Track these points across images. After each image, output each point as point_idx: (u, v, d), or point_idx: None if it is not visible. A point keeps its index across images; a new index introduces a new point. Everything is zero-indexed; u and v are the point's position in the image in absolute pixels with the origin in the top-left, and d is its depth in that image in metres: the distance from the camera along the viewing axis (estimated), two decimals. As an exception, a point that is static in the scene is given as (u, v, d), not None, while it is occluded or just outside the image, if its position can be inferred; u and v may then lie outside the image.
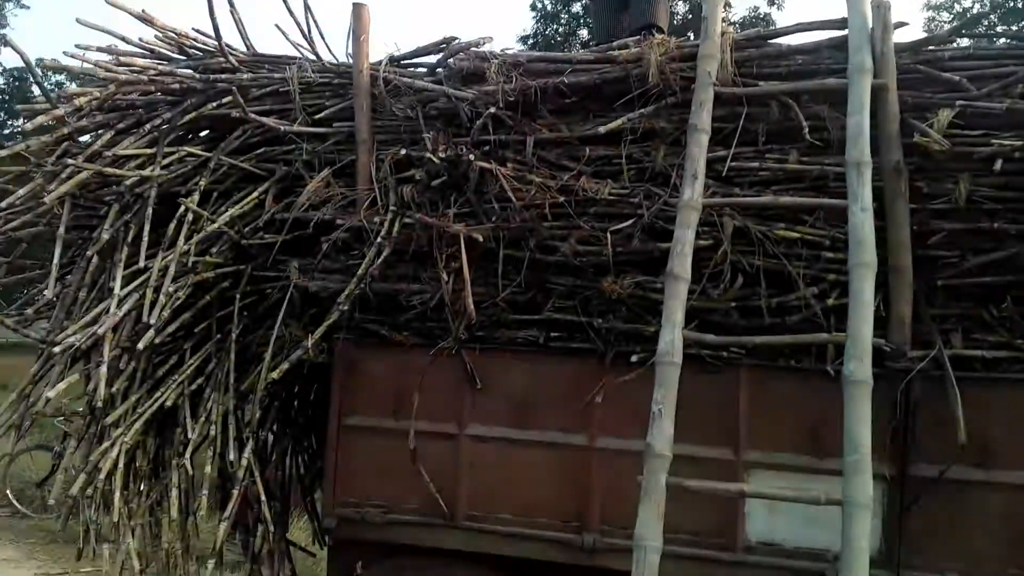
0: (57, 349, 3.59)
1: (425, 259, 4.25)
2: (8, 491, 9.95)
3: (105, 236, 4.11)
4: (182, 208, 4.21)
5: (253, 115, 4.24)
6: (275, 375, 3.80)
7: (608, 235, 3.78)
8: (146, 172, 4.05)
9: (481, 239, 3.88)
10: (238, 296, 4.41)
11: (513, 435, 4.13)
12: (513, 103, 4.11)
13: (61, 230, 4.15)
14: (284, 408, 4.95)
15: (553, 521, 4.04)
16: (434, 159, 3.90)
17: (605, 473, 3.99)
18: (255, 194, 4.47)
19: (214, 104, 4.40)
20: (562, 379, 4.08)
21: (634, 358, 3.91)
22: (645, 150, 4.02)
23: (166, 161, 4.24)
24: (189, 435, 4.02)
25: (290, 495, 5.32)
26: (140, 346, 3.69)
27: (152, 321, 3.72)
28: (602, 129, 3.91)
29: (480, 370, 4.15)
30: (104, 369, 3.64)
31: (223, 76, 4.50)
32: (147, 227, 4.01)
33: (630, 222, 3.83)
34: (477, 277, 4.16)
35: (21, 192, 3.93)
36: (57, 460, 10.23)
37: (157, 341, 3.85)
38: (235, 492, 4.12)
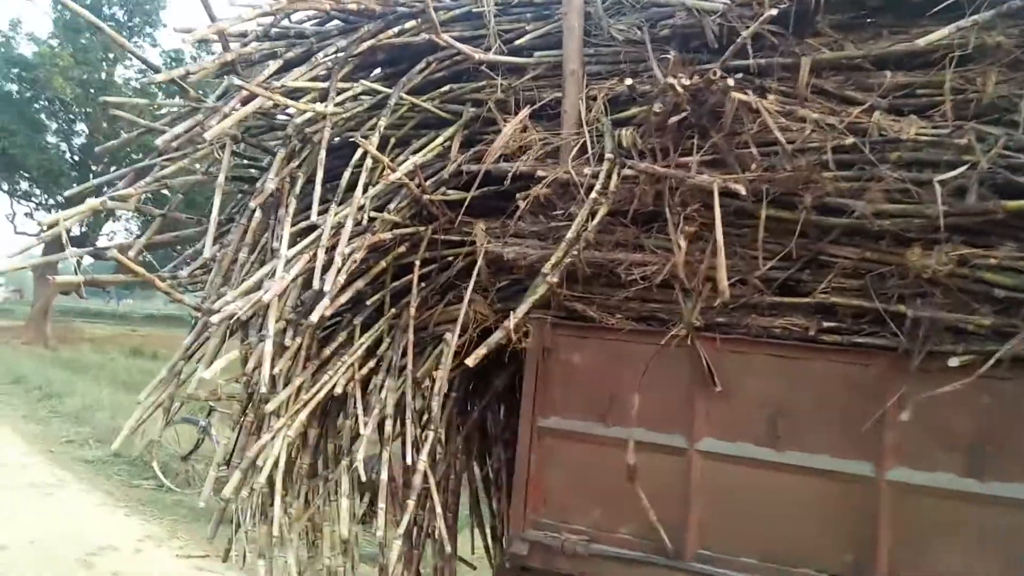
0: (215, 319, 2.94)
1: (651, 221, 3.33)
2: (154, 463, 9.93)
3: (270, 186, 3.43)
4: (358, 153, 3.48)
5: (448, 39, 3.43)
6: (470, 362, 2.99)
7: (936, 186, 2.68)
8: (319, 107, 3.32)
9: (744, 192, 2.88)
10: (417, 263, 3.64)
11: (763, 455, 3.13)
12: (782, 15, 3.08)
13: (221, 178, 3.52)
14: (460, 401, 4.16)
15: (818, 573, 3.02)
16: (676, 87, 2.94)
17: (900, 515, 2.92)
18: (439, 140, 3.68)
19: (395, 30, 3.63)
20: (839, 385, 3.04)
21: (954, 361, 2.81)
22: (965, 76, 2.90)
23: (339, 98, 3.52)
24: (362, 430, 3.29)
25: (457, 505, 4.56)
26: (313, 318, 2.97)
27: (326, 288, 3.00)
28: (921, 42, 2.81)
29: (720, 367, 3.18)
30: (269, 346, 2.95)
31: (404, -4, 3.73)
32: (320, 174, 3.29)
33: (960, 170, 2.72)
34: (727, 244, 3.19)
35: (177, 129, 3.31)
36: (203, 435, 10.31)
37: (328, 313, 3.12)
38: (410, 503, 3.35)
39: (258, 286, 3.19)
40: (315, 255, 3.19)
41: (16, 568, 6.58)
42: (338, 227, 3.31)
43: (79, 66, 26.07)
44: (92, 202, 3.30)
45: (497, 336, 3.06)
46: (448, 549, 3.80)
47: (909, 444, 2.89)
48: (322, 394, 3.30)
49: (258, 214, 3.55)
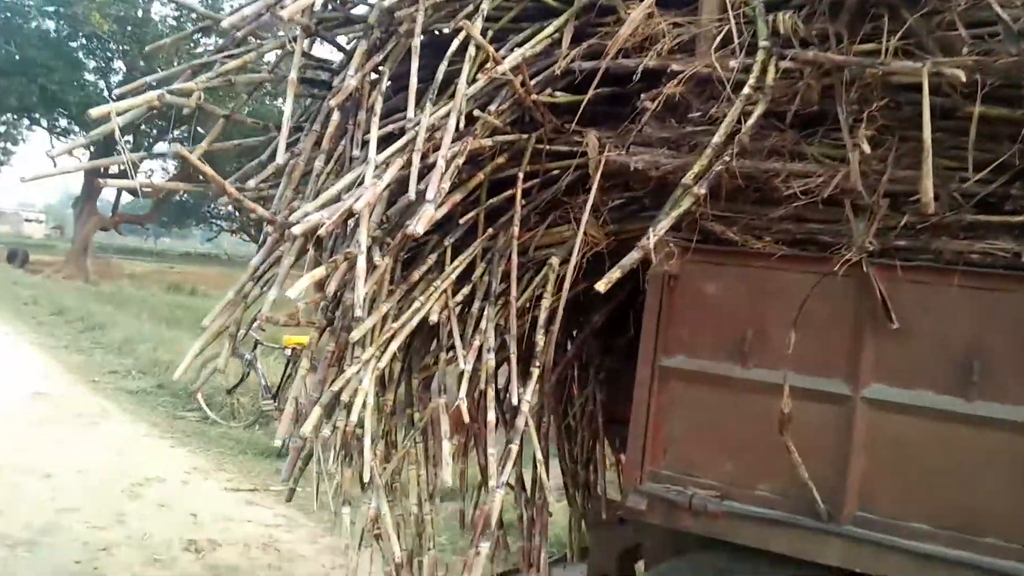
0: (297, 230, 2.45)
1: (813, 125, 2.76)
2: (200, 395, 9.70)
3: (351, 83, 2.91)
4: (454, 44, 2.93)
5: None
6: (600, 287, 2.47)
7: None
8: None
9: (964, 79, 2.28)
10: (521, 176, 3.11)
11: (949, 406, 2.60)
12: None
13: (293, 74, 3.00)
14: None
15: (1011, 544, 2.52)
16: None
17: None
18: (548, 31, 3.11)
19: None
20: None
21: None
22: None
23: (432, -23, 2.95)
24: (461, 363, 2.82)
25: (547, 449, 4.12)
26: (419, 228, 2.46)
27: (430, 196, 2.49)
28: None
29: (897, 301, 2.63)
30: (362, 261, 2.46)
31: None
32: (415, 63, 2.75)
33: None
34: (904, 153, 2.63)
35: (247, 10, 2.79)
36: (248, 369, 10.00)
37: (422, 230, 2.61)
38: (513, 447, 2.89)
39: (338, 197, 2.69)
40: (409, 160, 2.68)
41: (63, 496, 6.37)
42: (433, 129, 2.79)
43: (116, 2, 25.61)
44: (148, 95, 2.80)
45: (633, 257, 2.53)
46: (546, 497, 3.36)
47: None
48: (414, 322, 2.83)
49: (335, 117, 3.03)
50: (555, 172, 3.22)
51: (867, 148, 2.52)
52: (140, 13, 27.50)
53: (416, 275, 3.02)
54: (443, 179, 2.57)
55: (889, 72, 2.45)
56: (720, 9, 2.90)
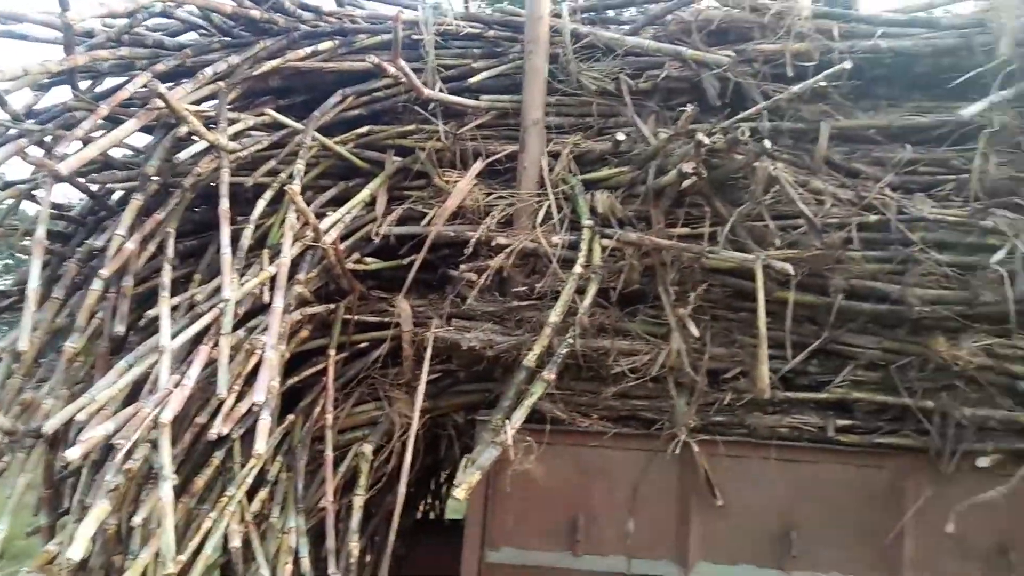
0: (73, 453, 1.84)
1: (634, 303, 2.81)
2: None
3: (129, 247, 2.42)
4: (260, 205, 2.58)
5: (402, 64, 2.66)
6: (460, 494, 2.15)
7: (1001, 270, 2.45)
8: (222, 139, 2.40)
9: (792, 272, 2.44)
10: (333, 352, 2.77)
11: (773, 580, 2.68)
12: (782, 75, 2.77)
13: (40, 232, 2.40)
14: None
15: None
16: (700, 144, 2.46)
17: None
18: (363, 194, 2.89)
19: (307, 50, 2.81)
20: (858, 493, 2.68)
21: (983, 461, 2.58)
22: (965, 155, 2.77)
23: (233, 129, 2.60)
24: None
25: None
26: (260, 447, 1.99)
27: (260, 399, 2.05)
28: (965, 113, 2.61)
29: (718, 477, 2.70)
30: (168, 490, 1.92)
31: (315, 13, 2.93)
32: (227, 231, 2.35)
33: (1000, 255, 2.52)
34: (717, 333, 2.76)
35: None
36: None
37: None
38: None
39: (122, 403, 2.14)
40: (215, 345, 2.23)
41: None
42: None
43: None
44: None
45: (492, 454, 2.30)
46: None
47: (928, 555, 2.59)
48: (209, 550, 2.27)
49: (96, 286, 2.47)
50: (363, 345, 2.92)
51: (694, 329, 2.60)
52: None
53: (200, 482, 2.45)
54: (274, 374, 2.15)
55: (717, 259, 2.57)
56: (538, 184, 2.90)
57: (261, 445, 2.00)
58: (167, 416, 1.91)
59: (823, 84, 2.66)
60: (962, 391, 2.59)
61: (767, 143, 2.44)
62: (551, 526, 2.75)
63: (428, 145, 2.95)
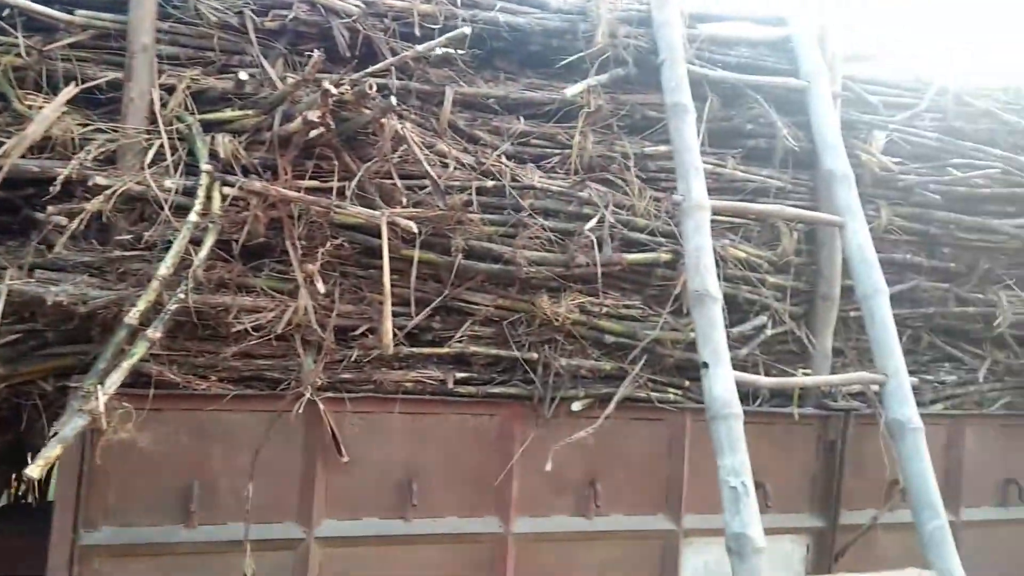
0: None
1: (259, 256, 2.65)
2: None
3: None
4: None
5: None
6: (34, 472, 1.80)
7: (591, 236, 2.75)
8: None
9: (415, 230, 2.47)
10: None
11: (398, 529, 2.75)
12: (426, 35, 2.81)
13: None
14: None
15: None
16: (329, 93, 2.38)
17: (528, 568, 2.89)
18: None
19: None
20: (472, 440, 2.87)
21: (576, 405, 2.92)
22: (568, 132, 3.07)
23: None
24: None
25: None
26: None
27: None
28: (569, 92, 2.86)
29: (348, 434, 2.69)
30: None
31: None
32: None
33: (592, 223, 2.84)
34: (346, 290, 2.73)
35: None
36: None
37: None
38: None
39: None
40: None
41: None
42: None
43: None
44: None
45: (77, 424, 1.97)
46: None
47: (530, 492, 2.88)
48: None
49: None
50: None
51: (321, 285, 2.53)
52: None
53: None
54: None
55: (345, 214, 2.52)
56: (148, 121, 2.57)
57: None
58: None
59: (446, 47, 2.76)
60: (561, 344, 2.90)
61: (394, 100, 2.45)
62: (161, 499, 2.51)
63: (5, 60, 2.44)
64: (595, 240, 2.83)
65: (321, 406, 2.61)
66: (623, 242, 2.95)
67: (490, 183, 2.81)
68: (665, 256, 3.00)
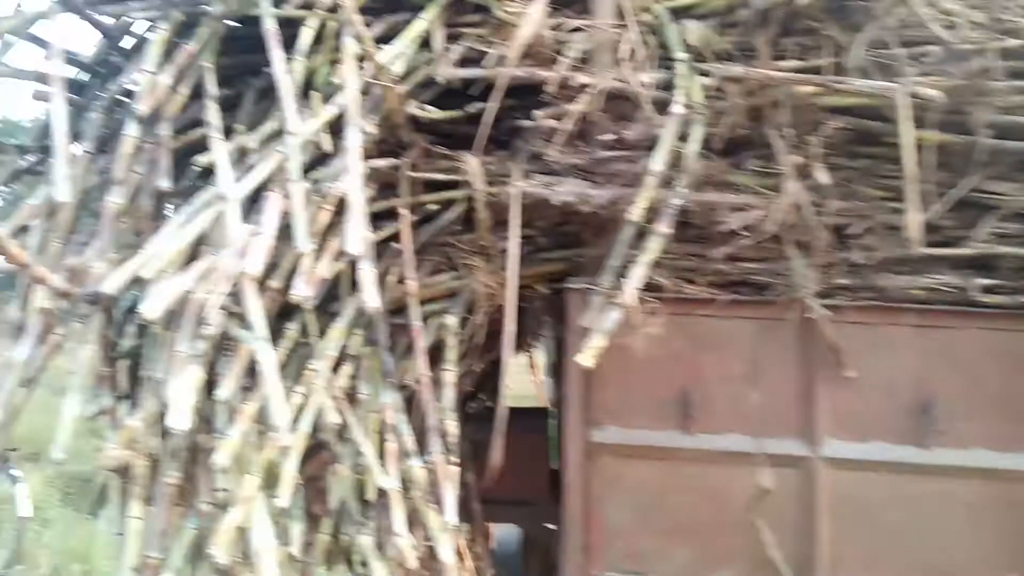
0: (151, 313, 1.49)
1: (737, 151, 2.44)
2: None
3: (163, 82, 2.02)
4: (308, 34, 2.17)
5: None
6: (586, 360, 1.82)
7: None
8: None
9: (939, 100, 2.08)
10: (407, 213, 2.41)
11: (913, 457, 2.39)
12: None
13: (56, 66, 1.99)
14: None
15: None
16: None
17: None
18: (419, 27, 2.44)
19: None
20: (1003, 361, 2.37)
21: None
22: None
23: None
24: (378, 479, 2.02)
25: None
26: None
27: (354, 249, 1.70)
28: None
29: (848, 346, 2.38)
30: (271, 352, 1.59)
31: None
32: (280, 60, 1.94)
33: None
34: (836, 184, 2.40)
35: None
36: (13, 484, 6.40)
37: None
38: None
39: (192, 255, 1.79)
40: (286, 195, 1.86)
41: None
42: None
43: None
44: None
45: (613, 318, 1.97)
46: None
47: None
48: (306, 427, 1.95)
49: (132, 130, 2.08)
50: (432, 208, 2.55)
51: (825, 178, 2.25)
52: None
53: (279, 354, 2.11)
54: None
55: (849, 91, 2.20)
56: (615, 14, 2.47)
57: (372, 299, 1.65)
58: (254, 267, 1.55)
59: None
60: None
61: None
62: (659, 404, 2.45)
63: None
64: None
65: (819, 314, 2.33)
66: None
67: (1014, 43, 2.26)
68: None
